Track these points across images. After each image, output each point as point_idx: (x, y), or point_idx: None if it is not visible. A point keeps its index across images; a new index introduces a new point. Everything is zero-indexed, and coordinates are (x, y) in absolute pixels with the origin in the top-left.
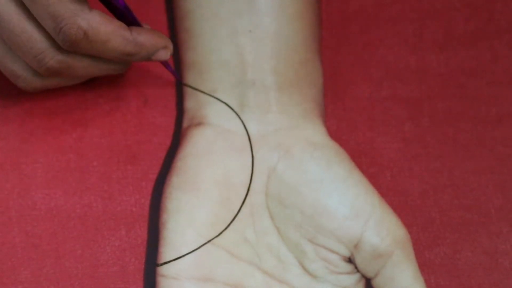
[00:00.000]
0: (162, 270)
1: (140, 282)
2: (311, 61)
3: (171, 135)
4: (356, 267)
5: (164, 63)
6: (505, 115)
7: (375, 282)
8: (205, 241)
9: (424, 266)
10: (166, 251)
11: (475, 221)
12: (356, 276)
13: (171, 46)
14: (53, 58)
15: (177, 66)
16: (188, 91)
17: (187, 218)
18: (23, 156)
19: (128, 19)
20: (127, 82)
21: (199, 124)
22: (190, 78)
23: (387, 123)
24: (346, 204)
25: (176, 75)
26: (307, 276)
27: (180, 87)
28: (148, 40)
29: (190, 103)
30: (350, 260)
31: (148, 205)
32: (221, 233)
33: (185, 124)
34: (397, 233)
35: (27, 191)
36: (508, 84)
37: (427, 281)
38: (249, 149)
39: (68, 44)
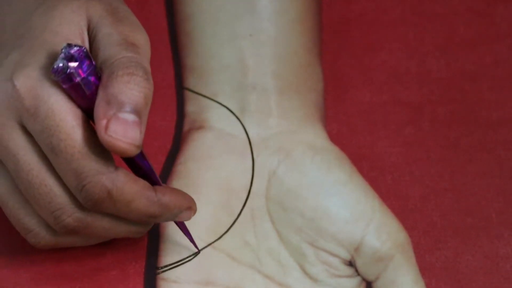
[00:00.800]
0: (162, 273)
1: (140, 286)
2: (311, 65)
3: (172, 138)
4: (356, 271)
5: (181, 226)
6: (506, 119)
7: (375, 286)
8: (206, 245)
9: (425, 269)
10: (167, 255)
11: (476, 225)
12: (357, 279)
13: (195, 207)
14: (71, 215)
15: (178, 70)
16: (189, 95)
17: (188, 221)
18: None
19: (151, 179)
20: None
21: (199, 127)
22: (191, 82)
23: (388, 127)
24: (347, 207)
25: (195, 243)
26: (308, 279)
27: (180, 90)
28: (173, 201)
29: (191, 107)
30: (350, 264)
31: None
32: (221, 236)
33: (185, 127)
34: (398, 237)
35: None
36: (509, 88)
37: (427, 285)
38: (250, 153)
39: (90, 203)
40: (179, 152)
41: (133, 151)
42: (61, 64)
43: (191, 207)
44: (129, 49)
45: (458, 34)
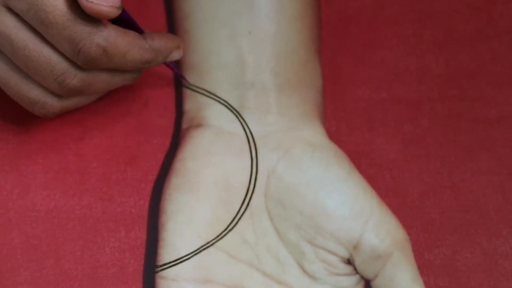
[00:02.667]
0: (161, 271)
1: (139, 284)
2: (310, 62)
3: (171, 136)
4: (355, 269)
5: (170, 65)
6: (504, 116)
7: (374, 284)
8: (205, 243)
9: (424, 267)
10: (166, 253)
11: (474, 222)
12: (355, 277)
13: (182, 44)
14: (75, 77)
15: (176, 68)
16: (187, 93)
17: (187, 219)
18: (22, 157)
19: (136, 29)
20: None
21: (198, 125)
22: (190, 79)
23: (387, 124)
24: (345, 205)
25: (181, 75)
26: (307, 277)
27: (179, 88)
28: (163, 45)
29: (189, 104)
30: (349, 262)
31: (148, 206)
32: (222, 236)
33: (184, 125)
34: (396, 234)
35: (26, 192)
36: (507, 85)
37: (426, 282)
38: (248, 150)
39: (89, 63)
40: (178, 150)
41: (115, 13)
42: None
43: (179, 46)
44: None
45: (457, 31)
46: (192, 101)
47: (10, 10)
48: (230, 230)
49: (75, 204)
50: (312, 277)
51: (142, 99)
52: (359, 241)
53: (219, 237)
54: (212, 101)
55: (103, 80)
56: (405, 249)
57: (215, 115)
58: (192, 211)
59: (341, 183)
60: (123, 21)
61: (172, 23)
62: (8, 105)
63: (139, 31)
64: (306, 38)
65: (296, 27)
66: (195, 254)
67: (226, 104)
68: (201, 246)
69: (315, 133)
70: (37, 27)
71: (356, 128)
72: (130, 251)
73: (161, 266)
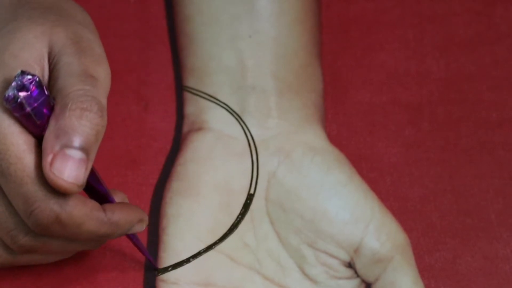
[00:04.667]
0: (162, 275)
1: (140, 287)
2: (311, 65)
3: (171, 140)
4: (356, 272)
5: (135, 240)
6: (505, 119)
7: (375, 287)
8: (205, 246)
9: (424, 271)
10: (166, 256)
11: (475, 226)
12: (356, 281)
13: (146, 218)
14: (25, 236)
15: (177, 71)
16: (188, 96)
17: (187, 223)
18: None
19: (103, 196)
20: (127, 87)
21: (199, 129)
22: (191, 83)
23: (387, 127)
24: (346, 209)
25: (151, 259)
26: (307, 281)
27: (180, 92)
28: (123, 218)
29: (190, 108)
30: (350, 265)
31: (148, 210)
32: (223, 239)
33: (185, 129)
34: (397, 238)
35: None
36: (508, 88)
37: (427, 286)
38: (249, 154)
39: (39, 228)
40: (179, 154)
41: (74, 190)
42: (11, 93)
43: (142, 219)
44: (87, 82)
45: (457, 35)
46: (193, 105)
47: None
48: (231, 233)
49: None
50: (312, 280)
51: (142, 103)
52: (359, 245)
53: (220, 240)
54: (213, 104)
55: (58, 245)
56: (406, 253)
57: (216, 119)
58: (193, 215)
59: (341, 186)
60: (91, 187)
61: (173, 26)
62: None
63: (105, 199)
64: (306, 41)
65: (297, 31)
66: (196, 257)
67: (227, 107)
68: (202, 250)
69: (315, 137)
70: None
71: (357, 132)
72: (131, 254)
73: (161, 269)
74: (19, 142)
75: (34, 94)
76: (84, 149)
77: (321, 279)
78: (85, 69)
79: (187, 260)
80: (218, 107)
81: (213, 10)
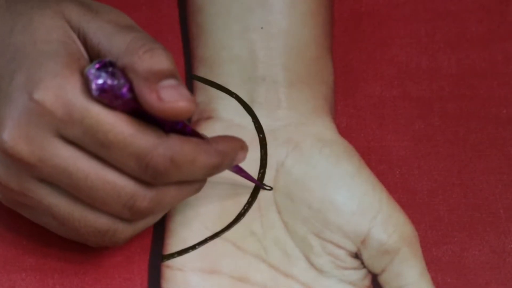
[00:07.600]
0: (167, 261)
1: (145, 273)
2: (322, 58)
3: None
4: (362, 263)
5: (242, 172)
6: None
7: (381, 278)
8: (211, 234)
9: (431, 263)
10: (173, 243)
11: (483, 220)
12: (363, 271)
13: (246, 145)
14: (144, 198)
15: (188, 60)
16: (198, 85)
17: (195, 212)
18: None
19: (196, 135)
20: None
21: (208, 118)
22: (201, 72)
23: (397, 121)
24: (354, 200)
25: (255, 180)
26: (313, 270)
27: (190, 81)
28: (228, 145)
29: (200, 97)
30: (356, 256)
31: None
32: (229, 227)
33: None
34: (404, 230)
35: None
36: None
37: (433, 279)
38: (258, 144)
39: (158, 176)
40: None
41: (193, 106)
42: (100, 81)
43: (243, 146)
44: (130, 31)
45: (469, 31)
46: (202, 94)
47: (64, 139)
48: (238, 222)
49: None
50: (319, 270)
51: None
52: (366, 236)
53: (227, 228)
54: (223, 94)
55: (172, 195)
56: (413, 245)
57: (226, 108)
58: (200, 204)
59: (350, 178)
60: (181, 131)
61: (185, 17)
62: None
63: (199, 136)
64: (318, 34)
65: (308, 23)
66: (202, 244)
67: (236, 97)
68: (208, 237)
69: (325, 128)
70: (97, 151)
71: (367, 125)
72: (136, 240)
73: (167, 255)
74: (104, 110)
75: (119, 78)
76: (174, 76)
77: (327, 268)
78: (117, 24)
79: (193, 247)
80: (228, 96)
81: (225, 1)
